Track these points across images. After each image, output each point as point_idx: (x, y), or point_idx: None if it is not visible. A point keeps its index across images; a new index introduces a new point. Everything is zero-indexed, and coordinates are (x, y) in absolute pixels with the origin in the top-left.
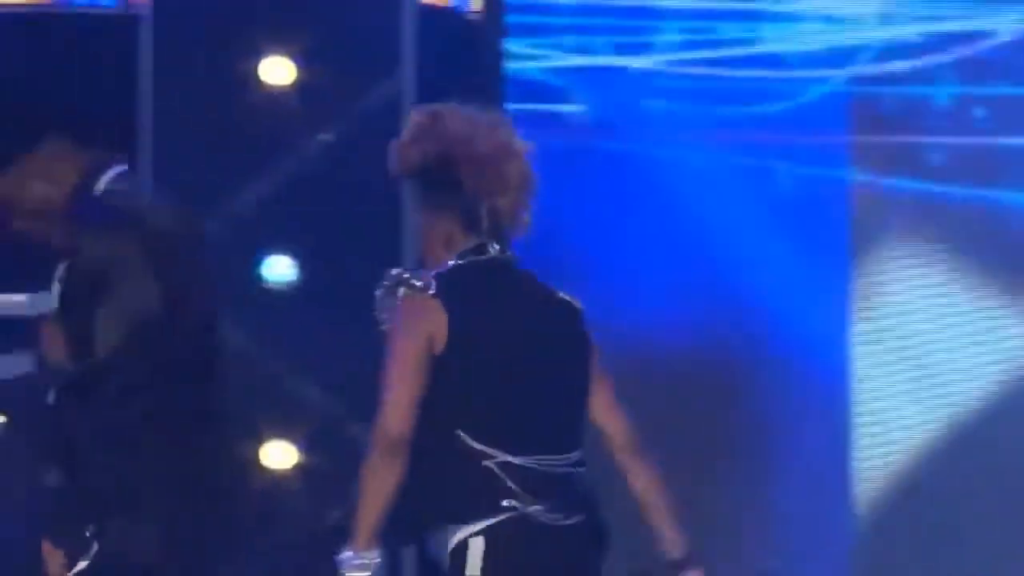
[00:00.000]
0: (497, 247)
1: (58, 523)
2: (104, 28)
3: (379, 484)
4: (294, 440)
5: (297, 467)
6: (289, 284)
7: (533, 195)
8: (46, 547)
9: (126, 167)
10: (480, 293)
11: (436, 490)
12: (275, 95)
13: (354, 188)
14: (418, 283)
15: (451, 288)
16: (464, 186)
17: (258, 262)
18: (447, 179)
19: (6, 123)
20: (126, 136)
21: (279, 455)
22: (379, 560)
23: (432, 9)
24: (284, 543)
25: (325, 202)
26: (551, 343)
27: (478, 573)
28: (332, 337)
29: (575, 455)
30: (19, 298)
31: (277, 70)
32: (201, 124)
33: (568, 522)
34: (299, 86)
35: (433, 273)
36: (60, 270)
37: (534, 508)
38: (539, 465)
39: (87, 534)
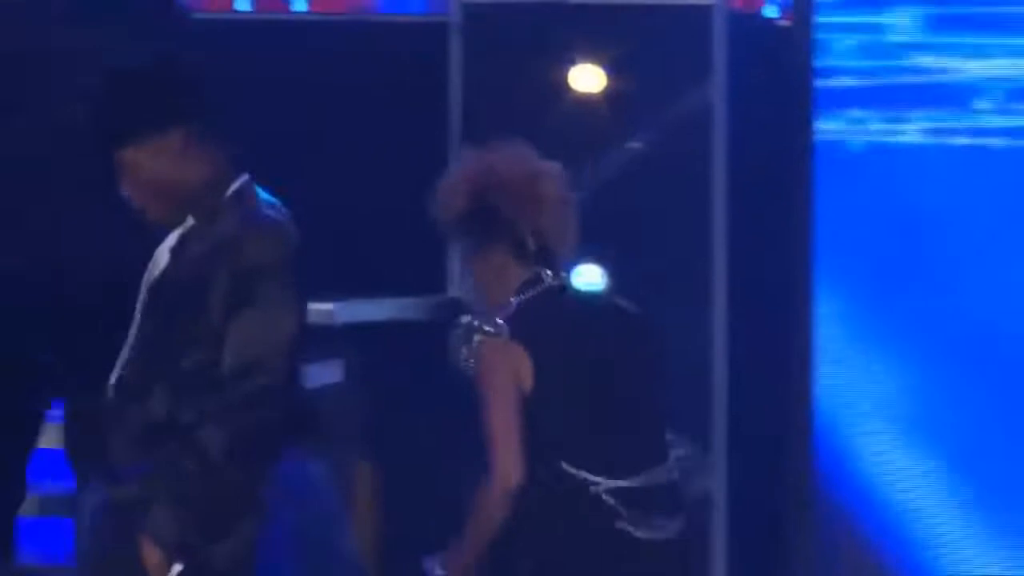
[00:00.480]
0: (550, 273)
1: (157, 524)
2: (415, 36)
3: (491, 525)
4: None
5: None
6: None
7: (573, 214)
8: (145, 547)
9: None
10: (552, 325)
11: (549, 525)
12: (585, 103)
13: (664, 197)
14: (491, 329)
15: (524, 327)
16: (502, 215)
17: (567, 271)
18: (485, 215)
19: (321, 131)
20: (436, 144)
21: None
22: None
23: (743, 15)
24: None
25: (635, 211)
26: (628, 357)
27: None
28: None
29: (671, 461)
30: (326, 307)
31: (587, 78)
32: (510, 132)
33: (671, 532)
34: (609, 94)
35: (502, 316)
36: (171, 252)
37: (644, 526)
38: (645, 483)
39: (185, 540)
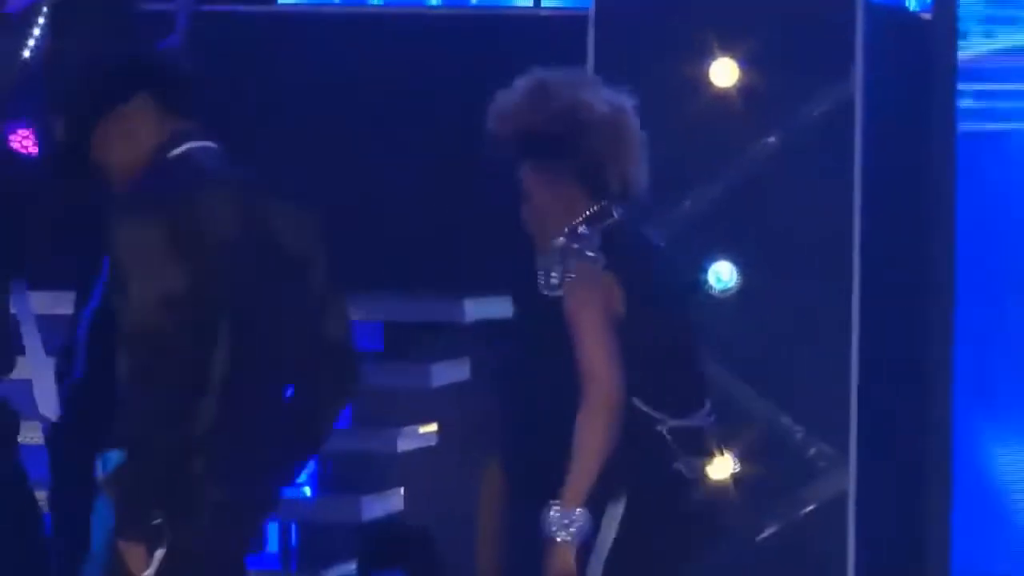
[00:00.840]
0: (620, 210)
1: (126, 515)
2: (550, 30)
3: (599, 446)
4: (733, 449)
5: (735, 478)
6: (731, 290)
7: (645, 150)
8: (121, 544)
9: (211, 143)
10: (635, 261)
11: (616, 461)
12: (723, 98)
13: (801, 193)
14: (591, 254)
15: (616, 259)
16: (585, 148)
17: (703, 267)
18: (567, 143)
19: (455, 126)
20: None
21: (717, 466)
22: (586, 521)
23: (883, 8)
24: (720, 558)
25: (770, 207)
26: (682, 299)
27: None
28: (772, 344)
29: (708, 405)
30: (458, 304)
31: (724, 72)
32: (646, 127)
33: (700, 475)
34: (745, 89)
35: (595, 244)
36: None
37: (692, 468)
38: (695, 423)
39: (157, 522)
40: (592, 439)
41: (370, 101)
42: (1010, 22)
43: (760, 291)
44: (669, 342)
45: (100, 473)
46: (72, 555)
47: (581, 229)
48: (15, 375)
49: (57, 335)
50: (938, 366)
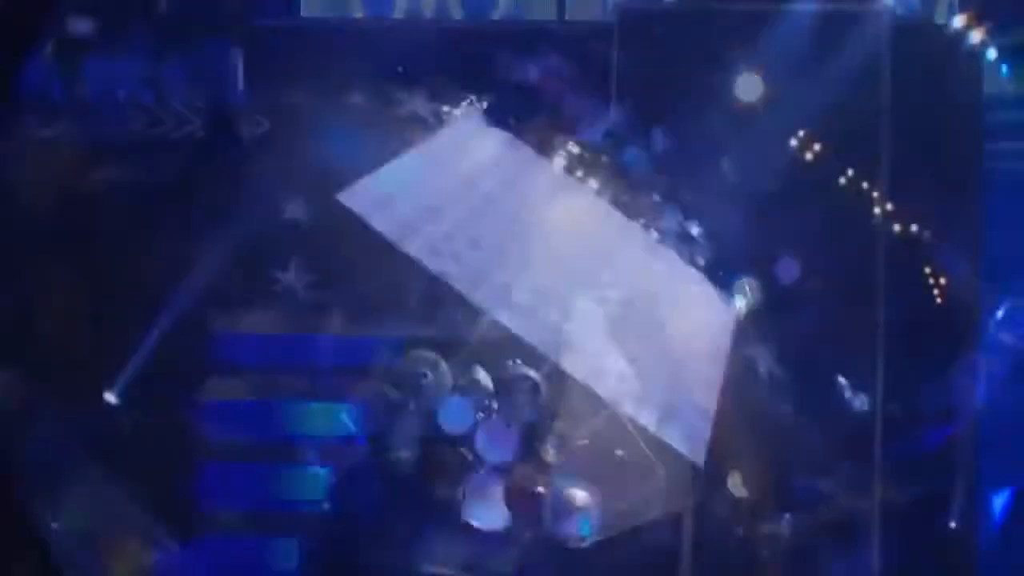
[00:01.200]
0: None
1: None
2: (584, 41)
3: None
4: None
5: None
6: (752, 307)
7: None
8: None
9: None
10: None
11: None
12: (747, 111)
13: (828, 209)
14: None
15: None
16: None
17: (728, 284)
18: None
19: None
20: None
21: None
22: None
23: (911, 21)
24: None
25: (797, 223)
26: None
27: None
28: (799, 359)
29: None
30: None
31: (749, 86)
32: (669, 139)
33: None
34: (769, 102)
35: None
36: None
37: None
38: None
39: None
40: None
41: (400, 111)
42: None
43: (785, 308)
44: None
45: None
46: None
47: None
48: None
49: None
50: (965, 386)
